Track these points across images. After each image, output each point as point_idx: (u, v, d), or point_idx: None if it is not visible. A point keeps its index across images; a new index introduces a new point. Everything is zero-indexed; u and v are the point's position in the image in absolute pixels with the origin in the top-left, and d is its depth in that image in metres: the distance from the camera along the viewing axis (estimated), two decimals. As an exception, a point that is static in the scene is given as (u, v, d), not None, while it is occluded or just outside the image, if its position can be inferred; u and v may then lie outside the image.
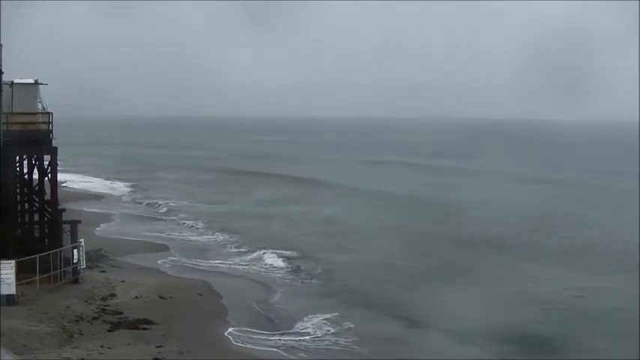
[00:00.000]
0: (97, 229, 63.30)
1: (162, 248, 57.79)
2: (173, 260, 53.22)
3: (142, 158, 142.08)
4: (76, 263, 42.88)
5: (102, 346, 32.32)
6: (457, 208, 73.03)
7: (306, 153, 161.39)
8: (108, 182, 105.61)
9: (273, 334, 36.95)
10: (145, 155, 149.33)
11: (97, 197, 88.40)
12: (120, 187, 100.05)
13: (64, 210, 45.70)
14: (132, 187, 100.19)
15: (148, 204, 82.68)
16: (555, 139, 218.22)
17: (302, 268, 50.84)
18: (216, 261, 53.64)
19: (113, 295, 40.97)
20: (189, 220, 71.02)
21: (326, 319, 39.28)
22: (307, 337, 36.64)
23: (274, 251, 55.47)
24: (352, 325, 38.13)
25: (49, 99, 44.83)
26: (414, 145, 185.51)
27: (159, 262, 52.29)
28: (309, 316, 39.76)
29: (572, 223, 68.54)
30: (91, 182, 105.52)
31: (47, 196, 45.26)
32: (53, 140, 44.66)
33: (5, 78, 41.65)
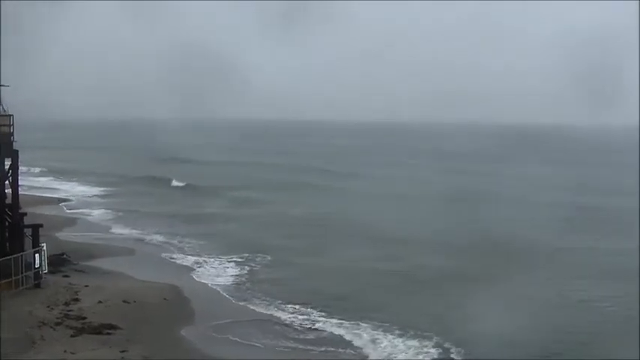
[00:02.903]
0: (61, 233, 62.44)
1: (128, 252, 57.12)
2: (139, 264, 52.62)
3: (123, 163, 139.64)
4: (38, 268, 42.24)
5: (65, 352, 31.87)
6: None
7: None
8: (75, 186, 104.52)
9: (244, 338, 36.63)
10: (127, 160, 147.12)
11: (62, 201, 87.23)
12: (87, 191, 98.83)
13: (25, 214, 45.00)
14: (100, 191, 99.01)
15: (115, 208, 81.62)
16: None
17: (271, 272, 50.60)
18: (185, 265, 53.09)
19: (76, 299, 40.35)
20: (157, 224, 70.29)
21: (294, 321, 39.38)
22: (275, 340, 36.45)
23: (245, 255, 55.22)
24: (322, 327, 38.26)
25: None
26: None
27: (123, 266, 51.67)
28: (280, 319, 39.80)
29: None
30: (58, 185, 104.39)
31: (8, 200, 44.52)
32: (14, 143, 44.01)
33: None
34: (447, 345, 35.12)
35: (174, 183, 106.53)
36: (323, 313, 40.48)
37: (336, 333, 37.52)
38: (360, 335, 37.01)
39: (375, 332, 37.29)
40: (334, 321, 39.19)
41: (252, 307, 42.29)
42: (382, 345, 35.79)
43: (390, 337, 36.62)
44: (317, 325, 38.71)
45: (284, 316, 40.37)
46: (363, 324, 38.51)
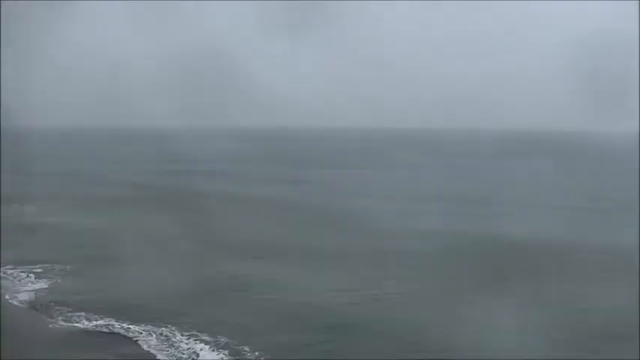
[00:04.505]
0: None
1: None
2: None
3: None
4: None
5: None
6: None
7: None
8: None
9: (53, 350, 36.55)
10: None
11: None
12: None
13: None
14: None
15: None
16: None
17: (73, 283, 50.14)
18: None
19: None
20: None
21: (99, 330, 39.97)
22: (82, 354, 36.53)
23: (44, 265, 54.16)
24: (136, 337, 38.90)
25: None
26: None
27: None
28: (89, 331, 40.13)
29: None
30: None
31: None
32: None
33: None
34: (257, 353, 36.29)
35: None
36: (128, 323, 40.82)
37: (147, 347, 37.79)
38: (174, 342, 37.97)
39: (193, 341, 38.12)
40: (141, 329, 39.78)
41: (54, 320, 41.86)
42: (200, 353, 36.82)
43: (209, 346, 37.52)
44: (128, 334, 39.09)
45: (91, 328, 40.49)
46: (169, 327, 39.62)
